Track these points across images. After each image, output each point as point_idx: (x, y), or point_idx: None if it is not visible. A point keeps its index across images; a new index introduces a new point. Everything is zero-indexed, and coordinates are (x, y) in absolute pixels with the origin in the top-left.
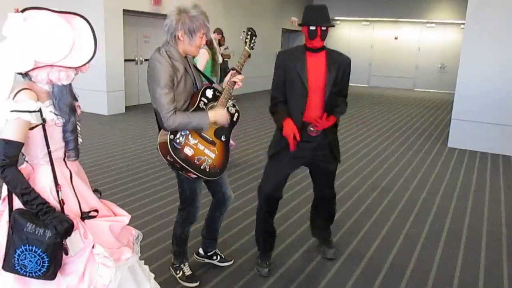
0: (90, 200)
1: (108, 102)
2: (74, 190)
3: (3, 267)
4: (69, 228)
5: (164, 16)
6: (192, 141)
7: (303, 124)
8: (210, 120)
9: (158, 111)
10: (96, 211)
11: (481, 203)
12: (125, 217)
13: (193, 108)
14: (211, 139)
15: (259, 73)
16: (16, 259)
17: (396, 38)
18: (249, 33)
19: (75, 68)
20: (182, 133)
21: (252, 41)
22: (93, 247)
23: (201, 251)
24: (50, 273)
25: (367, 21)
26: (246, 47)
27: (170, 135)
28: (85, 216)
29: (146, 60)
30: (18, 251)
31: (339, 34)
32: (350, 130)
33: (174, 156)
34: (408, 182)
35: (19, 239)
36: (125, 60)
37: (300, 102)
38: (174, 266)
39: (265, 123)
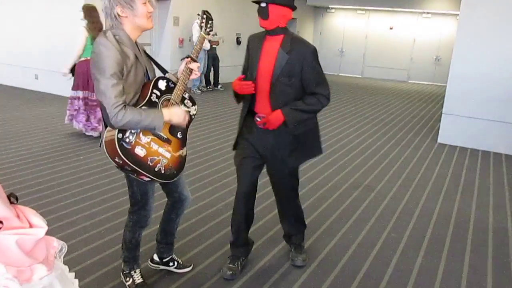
0: None
1: None
2: None
3: None
4: None
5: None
6: (144, 139)
7: (251, 113)
8: (165, 120)
9: (103, 105)
10: (1, 223)
11: (468, 204)
12: (40, 229)
13: (144, 102)
14: (165, 137)
15: None
16: None
17: (391, 28)
18: (205, 16)
19: None
20: (133, 131)
21: (208, 25)
22: None
23: (155, 257)
24: None
25: (363, 10)
26: (202, 32)
27: (118, 133)
28: None
29: None
30: None
31: (333, 23)
32: (336, 123)
33: (124, 158)
34: (393, 180)
35: None
36: None
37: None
38: (124, 272)
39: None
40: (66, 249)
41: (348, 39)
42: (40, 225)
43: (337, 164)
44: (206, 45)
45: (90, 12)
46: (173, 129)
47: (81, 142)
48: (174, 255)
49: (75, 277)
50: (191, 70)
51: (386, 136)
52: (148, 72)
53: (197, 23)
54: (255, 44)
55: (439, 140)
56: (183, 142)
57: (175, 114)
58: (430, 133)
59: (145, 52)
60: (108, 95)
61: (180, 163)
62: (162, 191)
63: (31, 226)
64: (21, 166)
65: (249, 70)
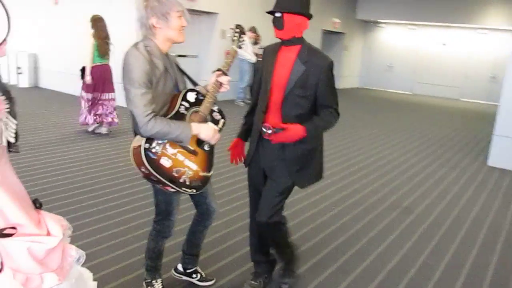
0: (12, 216)
1: None
2: None
3: None
4: None
5: (198, 13)
6: (170, 150)
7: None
8: (193, 133)
9: (133, 114)
10: (14, 228)
11: None
12: (53, 239)
13: (172, 113)
14: (192, 149)
15: None
16: None
17: (444, 44)
18: (238, 30)
19: None
20: (159, 142)
21: (240, 39)
22: (0, 271)
23: (180, 267)
24: None
25: (414, 25)
26: (234, 46)
27: (145, 143)
28: None
29: (179, 56)
30: None
31: (383, 37)
32: (378, 141)
33: (149, 168)
34: (435, 203)
35: None
36: None
37: (264, 100)
38: (146, 281)
39: None
40: (84, 258)
41: (398, 54)
42: (56, 234)
43: (375, 183)
44: (252, 58)
45: (95, 22)
46: (200, 141)
47: (117, 149)
48: (198, 268)
49: (98, 283)
50: (221, 84)
51: (431, 156)
52: (178, 84)
53: (229, 36)
54: (269, 55)
55: (489, 163)
56: (209, 155)
57: (204, 130)
58: (479, 155)
59: (176, 64)
60: (138, 104)
61: (206, 176)
62: (191, 202)
63: (48, 234)
64: (61, 171)
65: (263, 82)
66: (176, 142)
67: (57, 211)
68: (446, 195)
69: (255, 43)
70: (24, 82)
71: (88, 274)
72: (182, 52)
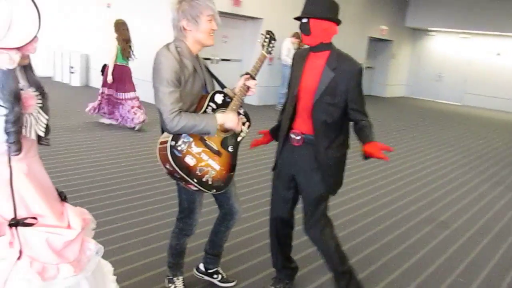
0: (34, 206)
1: None
2: (13, 192)
3: None
4: None
5: (243, 18)
6: (195, 149)
7: (290, 131)
8: (219, 123)
9: (161, 111)
10: (35, 218)
11: None
12: (72, 231)
13: (199, 113)
14: (216, 149)
15: None
16: None
17: (498, 54)
18: (268, 36)
19: (18, 49)
20: (185, 140)
21: (271, 45)
22: (19, 258)
23: (201, 266)
24: None
25: (466, 33)
26: (263, 51)
27: (171, 141)
28: (13, 222)
29: (222, 60)
30: None
31: (433, 46)
32: (421, 152)
33: (174, 165)
34: (475, 219)
35: None
36: None
37: (291, 105)
38: (168, 278)
39: None
40: (102, 252)
41: (448, 63)
42: (75, 227)
43: (412, 195)
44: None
45: (118, 26)
46: (224, 142)
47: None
48: (219, 268)
49: (123, 276)
50: (248, 87)
51: (475, 170)
52: (207, 85)
53: (259, 41)
54: (298, 61)
55: None
56: (233, 157)
57: (229, 118)
58: None
59: (206, 66)
60: (165, 102)
61: (228, 176)
62: (216, 205)
63: (68, 226)
64: (95, 167)
65: (290, 88)
66: (203, 134)
67: (95, 205)
68: (487, 211)
69: (298, 48)
70: (76, 81)
71: (109, 268)
72: (226, 56)
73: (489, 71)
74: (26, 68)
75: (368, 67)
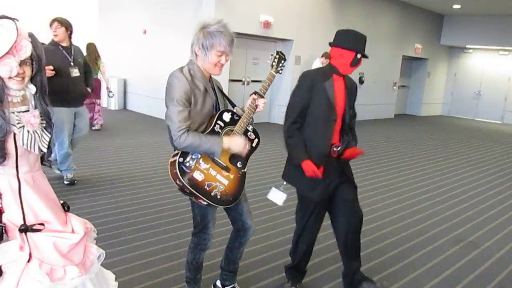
0: (41, 214)
1: None
2: (21, 201)
3: None
4: None
5: (273, 40)
6: (203, 165)
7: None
8: (224, 147)
9: (169, 128)
10: (42, 225)
11: None
12: (76, 235)
13: (207, 131)
14: (225, 165)
15: (372, 101)
16: None
17: None
18: (277, 56)
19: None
20: (193, 156)
21: (280, 65)
22: (29, 261)
23: (218, 283)
24: None
25: (506, 50)
26: (272, 70)
27: (179, 157)
28: (23, 228)
29: (253, 81)
30: None
31: (470, 63)
32: (453, 171)
33: (183, 181)
34: (505, 240)
35: None
36: (231, 80)
37: (328, 127)
38: None
39: None
40: (104, 256)
41: (487, 81)
42: (78, 232)
43: (442, 214)
44: None
45: (90, 47)
46: (233, 158)
47: None
48: (236, 285)
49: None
50: (256, 105)
51: (510, 191)
52: (219, 105)
53: (269, 62)
54: (322, 82)
55: None
56: (241, 172)
57: (235, 142)
58: None
59: (219, 88)
60: (174, 120)
61: (237, 191)
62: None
63: (72, 231)
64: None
65: (321, 109)
66: (208, 155)
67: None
68: None
69: None
70: (114, 104)
71: (111, 275)
72: (257, 78)
73: None
74: (43, 96)
75: (403, 85)
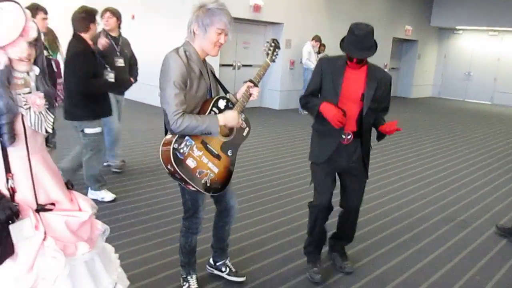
0: (52, 193)
1: None
2: (33, 181)
3: None
4: (11, 215)
5: (264, 23)
6: (196, 152)
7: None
8: (221, 123)
9: (166, 112)
10: (53, 204)
11: None
12: (85, 213)
13: None
14: (216, 153)
15: None
16: None
17: None
18: (273, 44)
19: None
20: (187, 143)
21: (275, 53)
22: (44, 239)
23: (211, 260)
24: None
25: (495, 31)
26: (267, 59)
27: (174, 143)
28: (39, 208)
29: (244, 65)
30: None
31: (460, 44)
32: (446, 151)
33: (175, 166)
34: (496, 218)
35: None
36: (222, 65)
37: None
38: (182, 276)
39: None
40: (109, 231)
41: (477, 62)
42: (86, 209)
43: (434, 194)
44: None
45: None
46: (225, 146)
47: None
48: (227, 261)
49: (142, 276)
50: (250, 94)
51: (499, 170)
52: (212, 90)
53: (264, 50)
54: (331, 69)
55: None
56: (232, 160)
57: (230, 117)
58: None
59: (212, 72)
60: (171, 103)
61: (226, 179)
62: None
63: (80, 209)
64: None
65: (328, 93)
66: (206, 134)
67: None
68: (509, 211)
69: (319, 52)
70: None
71: (110, 248)
72: (248, 62)
73: None
74: (44, 77)
75: (393, 68)
